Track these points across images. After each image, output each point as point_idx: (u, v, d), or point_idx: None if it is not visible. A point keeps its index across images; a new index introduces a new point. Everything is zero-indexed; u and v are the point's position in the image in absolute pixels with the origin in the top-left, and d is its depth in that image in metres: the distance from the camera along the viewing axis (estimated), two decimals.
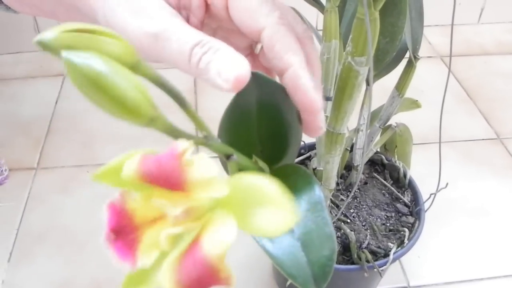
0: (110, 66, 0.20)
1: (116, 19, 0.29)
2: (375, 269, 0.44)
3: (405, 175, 0.53)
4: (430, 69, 0.91)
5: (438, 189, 0.50)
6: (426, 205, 0.51)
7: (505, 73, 0.91)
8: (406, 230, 0.47)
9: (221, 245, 0.18)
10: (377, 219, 0.49)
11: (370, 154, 0.53)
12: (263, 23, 0.29)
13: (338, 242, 0.46)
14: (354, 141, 0.50)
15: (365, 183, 0.53)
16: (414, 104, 0.59)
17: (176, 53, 0.27)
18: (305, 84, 0.30)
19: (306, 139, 0.49)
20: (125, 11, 0.29)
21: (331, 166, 0.40)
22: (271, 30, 0.29)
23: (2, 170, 0.71)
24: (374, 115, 0.55)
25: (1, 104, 0.85)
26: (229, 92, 0.27)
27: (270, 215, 0.20)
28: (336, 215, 0.48)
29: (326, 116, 0.41)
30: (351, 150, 0.52)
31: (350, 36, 0.34)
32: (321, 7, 0.45)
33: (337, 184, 0.53)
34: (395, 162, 0.54)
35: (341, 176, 0.53)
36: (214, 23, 0.33)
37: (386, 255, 0.45)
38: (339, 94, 0.36)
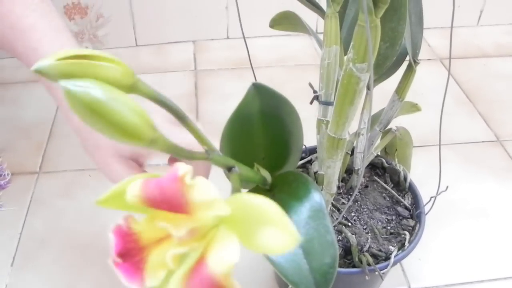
0: (107, 92, 0.20)
1: None
2: (376, 272, 0.44)
3: (405, 179, 0.53)
4: (429, 72, 0.92)
5: (438, 192, 0.50)
6: (427, 208, 0.52)
7: (504, 75, 0.91)
8: (407, 233, 0.48)
9: (227, 264, 0.19)
10: (378, 222, 0.49)
11: (371, 158, 0.53)
12: None
13: (339, 245, 0.46)
14: (354, 145, 0.51)
15: (366, 186, 0.54)
16: (414, 108, 0.59)
17: None
18: None
19: (307, 143, 0.49)
20: None
21: (333, 171, 0.40)
22: None
23: (4, 174, 0.71)
24: (374, 119, 0.56)
25: (3, 108, 0.85)
26: None
27: (273, 235, 0.20)
28: (337, 218, 0.48)
29: (327, 121, 0.42)
30: (352, 154, 0.53)
31: (352, 43, 0.34)
32: (321, 12, 0.45)
33: (338, 187, 0.53)
34: (396, 165, 0.54)
35: (342, 180, 0.54)
36: None
37: (387, 258, 0.46)
38: (341, 100, 0.36)
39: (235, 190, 0.27)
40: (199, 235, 0.20)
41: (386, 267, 0.45)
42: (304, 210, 0.32)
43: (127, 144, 0.21)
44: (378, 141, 0.55)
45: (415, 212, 0.51)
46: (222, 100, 0.84)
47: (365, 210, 0.51)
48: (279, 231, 0.20)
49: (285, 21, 0.56)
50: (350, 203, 0.50)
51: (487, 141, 0.78)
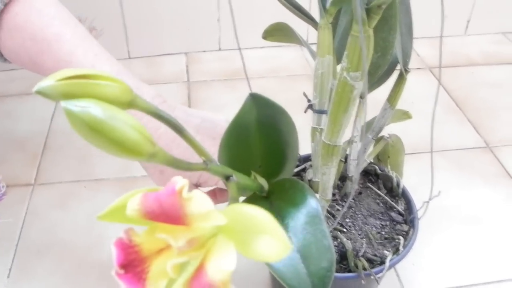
0: (107, 111, 0.21)
1: None
2: (372, 277, 0.45)
3: (398, 185, 0.54)
4: (419, 81, 0.93)
5: (431, 197, 0.51)
6: (420, 214, 0.53)
7: (491, 83, 0.93)
8: (401, 238, 0.49)
9: (225, 272, 0.20)
10: (372, 227, 0.50)
11: (364, 165, 0.54)
12: None
13: (335, 251, 0.47)
14: (348, 152, 0.52)
15: (360, 193, 0.55)
16: (405, 115, 0.60)
17: None
18: None
19: (301, 151, 0.50)
20: None
21: (328, 177, 0.41)
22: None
23: (0, 187, 0.71)
24: (367, 127, 0.57)
25: None
26: None
27: (268, 244, 0.21)
28: (332, 224, 0.49)
29: (321, 129, 0.43)
30: (346, 161, 0.54)
31: (345, 53, 0.35)
32: (314, 23, 0.46)
33: (333, 194, 0.54)
34: (388, 172, 0.55)
35: (337, 187, 0.55)
36: None
37: (382, 262, 0.47)
38: (335, 108, 0.37)
39: (233, 198, 0.27)
40: (198, 244, 0.21)
41: (381, 271, 0.46)
42: (301, 216, 0.33)
43: (125, 158, 0.22)
44: (371, 148, 0.56)
45: (409, 217, 0.52)
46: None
47: (359, 216, 0.51)
48: (273, 240, 0.21)
49: (278, 32, 0.57)
50: (345, 209, 0.51)
51: (477, 147, 0.80)
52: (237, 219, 0.22)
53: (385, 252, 0.48)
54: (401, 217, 0.52)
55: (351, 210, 0.52)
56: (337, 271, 0.47)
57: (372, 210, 0.53)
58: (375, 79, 0.49)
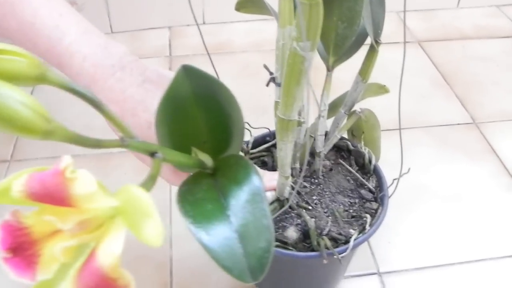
0: None
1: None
2: (335, 256, 0.44)
3: (370, 161, 0.53)
4: (407, 54, 0.91)
5: (401, 175, 0.49)
6: (391, 191, 0.51)
7: (483, 57, 0.90)
8: (368, 216, 0.47)
9: (112, 256, 0.19)
10: (340, 205, 0.49)
11: (335, 141, 0.53)
12: None
13: (298, 229, 0.46)
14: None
15: (330, 169, 0.53)
16: (382, 89, 0.58)
17: None
18: None
19: (273, 126, 0.49)
20: None
21: (285, 153, 0.40)
22: None
23: None
24: (339, 101, 0.55)
25: None
26: None
27: (150, 227, 0.20)
28: (297, 202, 0.48)
29: (277, 102, 0.41)
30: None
31: (294, 21, 0.33)
32: None
33: (301, 170, 0.53)
34: (361, 148, 0.54)
35: (307, 163, 0.53)
36: None
37: (347, 241, 0.45)
38: (287, 80, 0.35)
39: (152, 177, 0.26)
40: (93, 226, 0.20)
41: (345, 250, 0.44)
42: (242, 194, 0.31)
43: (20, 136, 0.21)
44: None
45: (379, 195, 0.50)
46: None
47: (327, 193, 0.50)
48: (154, 224, 0.20)
49: (249, 4, 0.55)
50: (298, 186, 0.49)
51: (463, 123, 0.78)
52: (128, 201, 0.20)
53: (351, 230, 0.46)
54: (371, 194, 0.51)
55: (319, 187, 0.51)
56: (300, 250, 0.46)
57: (341, 187, 0.51)
58: (342, 51, 0.47)
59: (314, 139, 0.52)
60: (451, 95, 0.82)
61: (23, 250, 0.20)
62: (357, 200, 0.50)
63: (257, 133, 0.55)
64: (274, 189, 0.46)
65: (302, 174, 0.48)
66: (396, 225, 0.63)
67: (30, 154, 0.74)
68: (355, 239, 0.45)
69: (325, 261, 0.44)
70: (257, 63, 0.89)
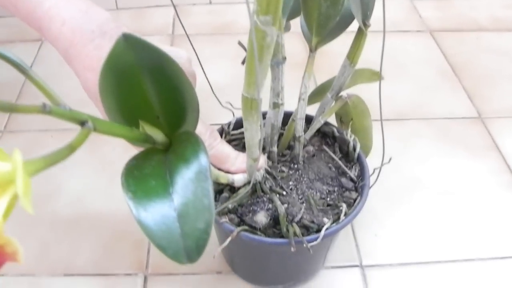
0: None
1: None
2: (304, 245, 0.42)
3: (354, 149, 0.51)
4: (417, 44, 0.87)
5: (382, 164, 0.47)
6: (374, 182, 0.49)
7: (497, 50, 0.86)
8: (344, 205, 0.45)
9: None
10: (316, 192, 0.47)
11: (317, 126, 0.51)
12: None
13: (269, 214, 0.44)
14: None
15: (313, 155, 0.51)
16: (375, 76, 0.56)
17: None
18: None
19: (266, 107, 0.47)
20: None
21: (250, 134, 0.38)
22: None
23: None
24: (327, 85, 0.53)
25: None
26: None
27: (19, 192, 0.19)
28: (270, 186, 0.46)
29: None
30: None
31: None
32: None
33: (283, 155, 0.51)
34: (346, 135, 0.51)
35: (288, 147, 0.51)
36: None
37: (319, 230, 0.43)
38: (249, 56, 0.33)
39: (70, 146, 0.24)
40: None
41: (315, 239, 0.42)
42: (189, 172, 0.30)
43: None
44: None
45: (359, 185, 0.48)
46: (195, 64, 0.81)
47: (305, 179, 0.48)
48: (21, 191, 0.18)
49: None
50: (278, 168, 0.47)
51: (467, 117, 0.74)
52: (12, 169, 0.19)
53: (325, 219, 0.44)
54: (352, 183, 0.49)
55: (297, 173, 0.49)
56: (269, 236, 0.44)
57: (321, 174, 0.49)
58: (326, 31, 0.45)
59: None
60: (459, 88, 0.79)
61: None
62: (336, 189, 0.48)
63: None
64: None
65: (265, 158, 0.46)
66: (385, 217, 0.61)
67: (23, 126, 0.74)
68: (326, 229, 0.43)
69: (292, 249, 0.42)
70: None
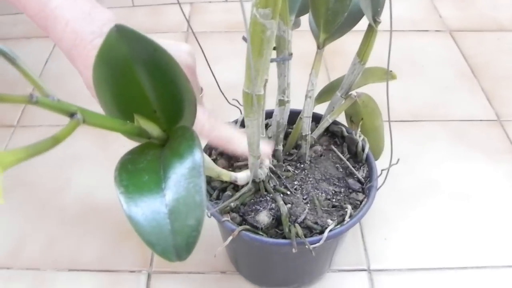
0: None
1: None
2: (306, 246, 0.41)
3: (363, 150, 0.49)
4: (436, 44, 0.85)
5: (390, 165, 0.46)
6: (382, 183, 0.47)
7: None
8: (349, 206, 0.44)
9: None
10: (322, 193, 0.46)
11: (326, 125, 0.49)
12: None
13: (271, 214, 0.43)
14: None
15: (321, 155, 0.50)
16: (388, 75, 0.54)
17: None
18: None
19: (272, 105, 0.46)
20: None
21: (251, 131, 0.37)
22: None
23: None
24: (336, 84, 0.51)
25: None
26: None
27: None
28: (274, 186, 0.45)
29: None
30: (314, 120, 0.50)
31: None
32: None
33: (290, 154, 0.50)
34: (355, 135, 0.50)
35: (296, 147, 0.50)
36: None
37: (323, 232, 0.42)
38: (248, 51, 0.32)
39: (54, 138, 0.24)
40: None
41: (318, 241, 0.41)
42: (182, 168, 0.29)
43: None
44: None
45: (367, 186, 0.47)
46: (210, 62, 0.80)
47: (311, 179, 0.47)
48: None
49: None
50: (283, 167, 0.46)
51: (486, 120, 0.72)
52: None
53: (329, 221, 0.43)
54: (359, 184, 0.47)
55: (303, 172, 0.48)
56: (271, 236, 0.43)
57: (328, 175, 0.48)
58: (334, 27, 0.43)
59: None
60: (477, 89, 0.77)
61: None
62: (342, 190, 0.47)
63: None
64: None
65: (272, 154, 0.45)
66: (396, 221, 0.59)
67: (36, 121, 0.74)
68: (330, 230, 0.42)
69: (294, 250, 0.41)
70: None
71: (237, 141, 0.43)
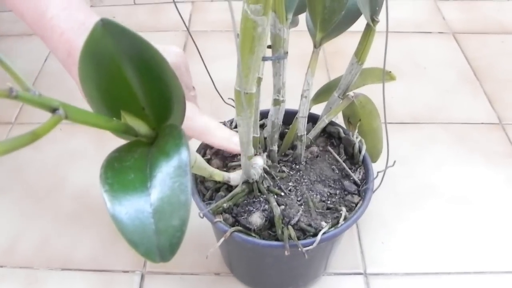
0: None
1: None
2: (299, 248, 0.40)
3: (360, 151, 0.48)
4: (439, 46, 0.84)
5: (387, 167, 0.45)
6: (378, 186, 0.47)
7: None
8: (344, 209, 0.43)
9: None
10: (317, 195, 0.45)
11: (322, 125, 0.49)
12: None
13: (264, 215, 0.42)
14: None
15: (317, 156, 0.49)
16: (387, 76, 0.53)
17: None
18: None
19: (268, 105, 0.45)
20: None
21: (243, 130, 0.36)
22: None
23: None
24: (333, 84, 0.51)
25: None
26: None
27: None
28: (268, 186, 0.44)
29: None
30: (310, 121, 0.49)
31: None
32: None
33: (285, 155, 0.49)
34: (352, 136, 0.49)
35: (292, 147, 0.50)
36: None
37: (317, 234, 0.41)
38: (241, 48, 0.32)
39: (33, 133, 0.23)
40: None
41: (311, 243, 0.40)
42: (168, 167, 0.28)
43: None
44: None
45: (362, 188, 0.46)
46: (208, 61, 0.80)
47: (306, 181, 0.46)
48: None
49: None
50: (277, 167, 0.45)
51: (487, 123, 0.71)
52: None
53: (323, 223, 0.42)
54: (355, 187, 0.47)
55: (298, 173, 0.47)
56: (264, 238, 0.42)
57: (323, 176, 0.47)
58: (331, 26, 0.43)
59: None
60: (479, 92, 0.76)
61: None
62: (338, 192, 0.46)
63: None
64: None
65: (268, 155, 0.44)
66: (394, 224, 0.58)
67: (34, 118, 0.74)
68: (324, 233, 0.41)
69: (286, 253, 0.40)
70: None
71: (212, 132, 0.42)
